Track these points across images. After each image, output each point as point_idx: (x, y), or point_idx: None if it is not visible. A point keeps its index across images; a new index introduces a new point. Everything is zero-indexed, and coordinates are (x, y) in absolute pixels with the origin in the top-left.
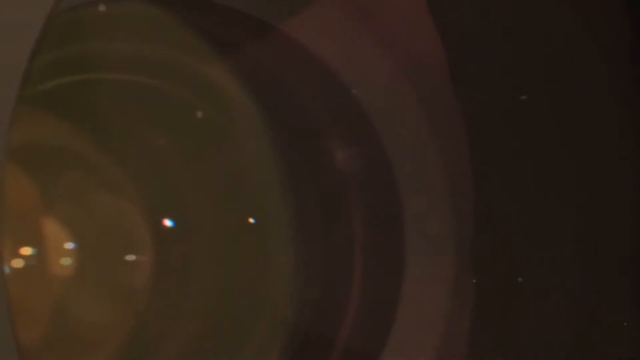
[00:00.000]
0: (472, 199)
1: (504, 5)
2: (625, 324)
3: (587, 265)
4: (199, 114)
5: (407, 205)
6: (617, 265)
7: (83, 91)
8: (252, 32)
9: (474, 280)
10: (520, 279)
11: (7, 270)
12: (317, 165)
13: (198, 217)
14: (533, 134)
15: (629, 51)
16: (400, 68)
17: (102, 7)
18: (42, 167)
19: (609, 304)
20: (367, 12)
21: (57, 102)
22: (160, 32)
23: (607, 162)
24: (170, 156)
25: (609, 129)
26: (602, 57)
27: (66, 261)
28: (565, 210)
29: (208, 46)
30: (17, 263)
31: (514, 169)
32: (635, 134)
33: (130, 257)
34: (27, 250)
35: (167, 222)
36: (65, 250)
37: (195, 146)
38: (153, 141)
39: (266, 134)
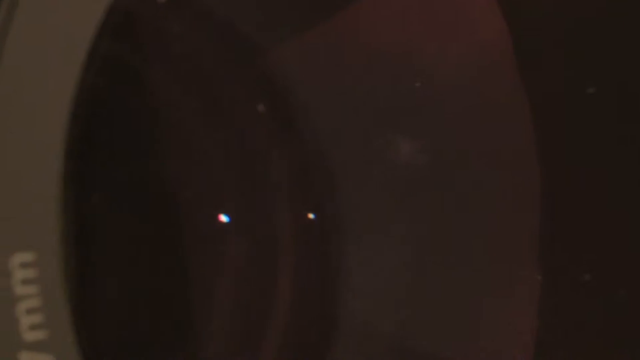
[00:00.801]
0: (538, 193)
1: None
2: None
3: None
4: (260, 108)
5: (472, 200)
6: None
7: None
8: (312, 14)
9: (539, 277)
10: (587, 276)
11: None
12: (382, 159)
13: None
14: (601, 128)
15: None
16: (465, 58)
17: None
18: None
19: None
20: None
21: None
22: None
23: None
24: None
25: None
26: None
27: None
28: (634, 206)
29: (263, 34)
30: None
31: (581, 162)
32: None
33: None
34: None
35: (223, 217)
36: None
37: (255, 142)
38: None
39: (327, 126)
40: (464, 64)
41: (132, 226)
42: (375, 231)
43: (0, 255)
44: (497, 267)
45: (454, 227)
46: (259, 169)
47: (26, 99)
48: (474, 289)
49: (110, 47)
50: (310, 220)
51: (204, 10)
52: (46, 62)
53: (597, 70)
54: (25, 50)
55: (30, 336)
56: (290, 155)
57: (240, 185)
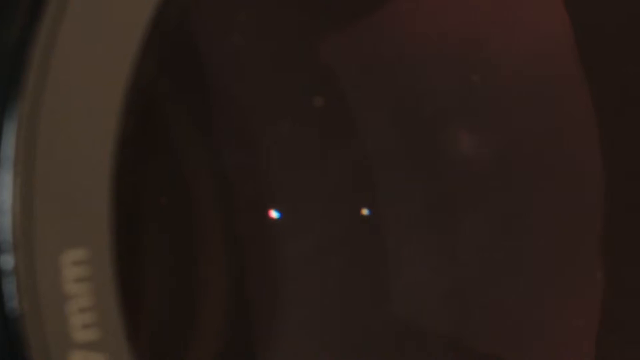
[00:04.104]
0: (601, 192)
1: None
2: None
3: None
4: (317, 102)
5: (533, 197)
6: None
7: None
8: (371, 7)
9: (600, 276)
10: None
11: None
12: (441, 154)
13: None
14: None
15: None
16: (526, 51)
17: None
18: None
19: None
20: None
21: None
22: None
23: None
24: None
25: None
26: None
27: None
28: None
29: (318, 28)
30: None
31: None
32: None
33: None
34: None
35: (274, 214)
36: None
37: (314, 136)
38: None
39: (386, 121)
40: (524, 58)
41: (185, 222)
42: (435, 227)
43: (51, 252)
44: (558, 266)
45: (514, 224)
46: (316, 165)
47: (77, 96)
48: (534, 289)
49: (167, 41)
50: (364, 216)
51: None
52: (98, 58)
53: None
54: (76, 48)
55: (82, 335)
56: (347, 151)
57: (295, 180)
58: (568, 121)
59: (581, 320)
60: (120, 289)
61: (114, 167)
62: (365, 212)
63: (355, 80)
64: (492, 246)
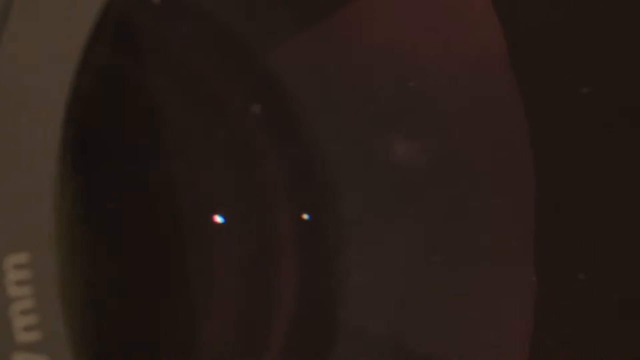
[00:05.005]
0: (533, 194)
1: None
2: None
3: None
4: (255, 109)
5: (468, 201)
6: None
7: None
8: (311, 16)
9: (534, 279)
10: (581, 276)
11: None
12: (379, 160)
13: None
14: (595, 128)
15: None
16: (460, 59)
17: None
18: None
19: None
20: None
21: None
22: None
23: None
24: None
25: None
26: None
27: None
28: (628, 205)
29: (260, 35)
30: None
31: (576, 163)
32: None
33: None
34: None
35: (218, 219)
36: None
37: (252, 143)
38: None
39: (325, 127)
40: (459, 65)
41: (128, 227)
42: (373, 232)
43: None
44: (492, 268)
45: (450, 228)
46: (256, 170)
47: (19, 102)
48: (470, 291)
49: (106, 51)
50: (305, 221)
51: (200, 12)
52: (40, 64)
53: (591, 70)
54: (17, 55)
55: (24, 337)
56: (287, 156)
57: (237, 186)
58: (501, 126)
59: (516, 322)
60: (63, 293)
61: (57, 172)
62: (305, 217)
63: (296, 87)
64: (427, 250)
